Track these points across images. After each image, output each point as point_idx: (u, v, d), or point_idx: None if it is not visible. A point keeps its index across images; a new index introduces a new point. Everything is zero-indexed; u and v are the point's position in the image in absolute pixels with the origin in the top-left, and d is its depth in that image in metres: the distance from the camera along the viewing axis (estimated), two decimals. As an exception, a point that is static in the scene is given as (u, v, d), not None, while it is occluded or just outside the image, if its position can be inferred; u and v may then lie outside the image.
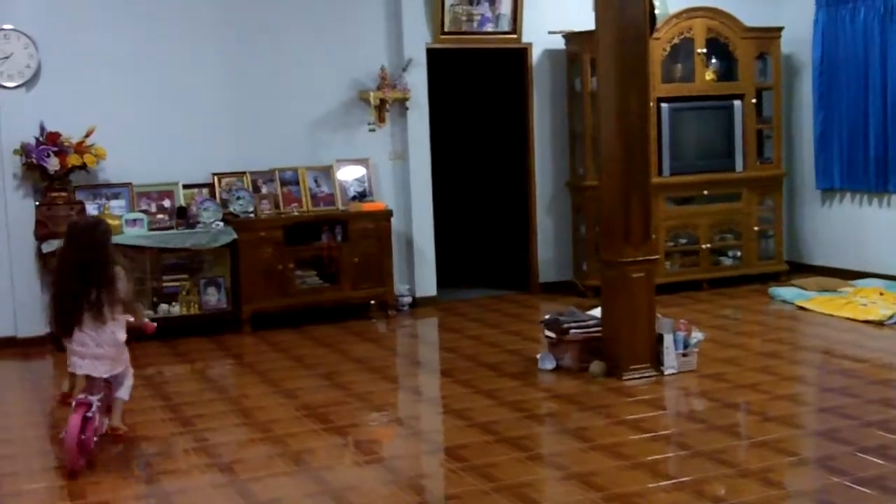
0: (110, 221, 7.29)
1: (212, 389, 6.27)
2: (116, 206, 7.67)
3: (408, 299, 8.59)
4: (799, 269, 9.47)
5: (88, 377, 4.94)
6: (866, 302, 7.87)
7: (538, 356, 6.49)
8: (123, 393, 5.15)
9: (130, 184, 7.75)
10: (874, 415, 5.27)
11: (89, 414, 4.78)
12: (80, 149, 7.36)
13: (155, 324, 5.43)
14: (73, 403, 4.86)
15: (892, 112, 8.63)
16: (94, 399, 4.84)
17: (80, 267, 4.87)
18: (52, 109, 7.45)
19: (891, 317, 7.46)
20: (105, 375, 4.95)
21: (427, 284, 8.74)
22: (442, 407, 5.89)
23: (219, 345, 7.46)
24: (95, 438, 4.86)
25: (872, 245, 9.04)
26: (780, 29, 9.24)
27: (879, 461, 4.56)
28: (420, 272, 8.70)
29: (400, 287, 8.53)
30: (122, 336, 4.98)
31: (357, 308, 8.26)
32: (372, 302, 8.30)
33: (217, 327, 7.77)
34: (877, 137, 8.80)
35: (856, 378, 6.03)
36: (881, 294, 8.03)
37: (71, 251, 4.95)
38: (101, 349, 4.91)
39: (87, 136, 7.41)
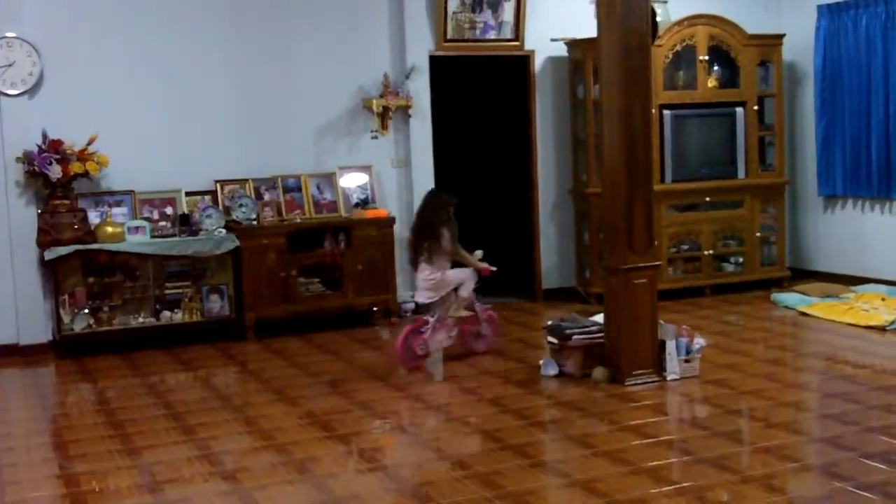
0: (111, 229, 7.41)
1: (215, 397, 6.28)
2: (119, 213, 7.69)
3: (411, 306, 8.59)
4: (801, 276, 9.48)
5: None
6: (868, 308, 7.87)
7: (541, 362, 6.50)
8: (463, 292, 6.87)
9: (133, 191, 7.77)
10: (876, 420, 5.27)
11: (422, 330, 6.72)
12: (83, 156, 7.38)
13: (492, 268, 6.98)
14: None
15: (894, 119, 8.65)
16: (430, 319, 6.76)
17: (418, 226, 6.91)
18: (54, 117, 7.47)
19: (892, 322, 7.46)
20: (426, 301, 6.84)
21: (430, 291, 8.73)
22: (445, 414, 5.89)
23: (222, 352, 7.47)
24: (429, 349, 6.74)
25: (874, 251, 9.05)
26: (781, 36, 9.26)
27: (882, 466, 4.56)
28: (423, 279, 8.70)
29: (403, 294, 8.53)
30: (439, 276, 6.76)
31: (361, 315, 8.27)
32: (375, 309, 8.31)
33: (220, 334, 7.78)
34: (879, 144, 8.81)
35: (858, 384, 6.03)
36: (883, 300, 8.04)
37: (416, 215, 7.07)
38: (425, 283, 6.80)
39: (90, 143, 7.43)
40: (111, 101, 7.75)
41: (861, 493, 4.25)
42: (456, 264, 6.93)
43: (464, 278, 6.89)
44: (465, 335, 7.03)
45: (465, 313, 6.95)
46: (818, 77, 9.30)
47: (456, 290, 6.89)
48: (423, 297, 6.88)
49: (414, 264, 6.94)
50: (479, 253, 7.04)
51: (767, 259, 9.37)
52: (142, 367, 7.07)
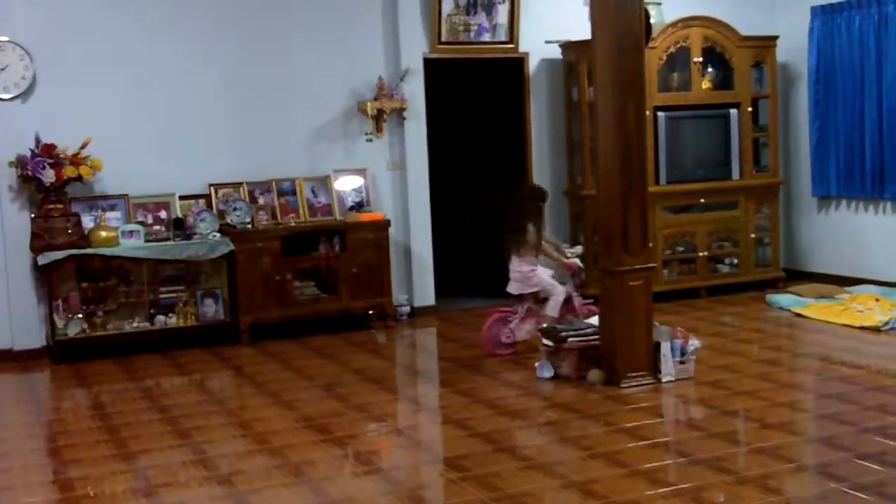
0: (105, 234, 7.39)
1: (210, 401, 6.26)
2: (113, 217, 7.66)
3: (406, 309, 8.60)
4: (796, 276, 9.49)
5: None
6: (862, 308, 7.88)
7: (536, 364, 6.49)
8: (548, 310, 6.94)
9: (127, 195, 7.75)
10: (872, 421, 5.27)
11: (509, 319, 7.02)
12: (76, 160, 7.36)
13: (578, 263, 7.13)
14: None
15: (887, 119, 8.66)
16: (519, 309, 7.03)
17: (505, 219, 7.20)
18: (47, 121, 7.45)
19: (886, 323, 7.47)
20: (514, 293, 7.05)
21: (426, 294, 8.74)
22: (441, 417, 5.89)
23: (217, 356, 7.46)
24: (516, 338, 7.01)
25: (868, 252, 9.06)
26: (775, 37, 9.28)
27: (878, 467, 4.56)
28: (419, 282, 8.70)
29: (399, 297, 8.53)
30: (526, 271, 6.97)
31: (356, 318, 8.26)
32: (371, 312, 8.30)
33: (215, 339, 7.77)
34: (872, 145, 8.82)
35: (853, 384, 6.04)
36: (877, 300, 8.04)
37: (505, 208, 7.28)
38: (513, 275, 7.03)
39: (83, 147, 7.41)
40: (104, 104, 7.73)
41: (856, 493, 4.25)
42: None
43: (550, 290, 6.96)
44: None
45: (530, 336, 7.02)
46: (812, 78, 9.32)
47: (545, 301, 6.98)
48: (510, 289, 7.07)
49: (507, 256, 7.14)
50: (577, 249, 7.29)
51: (762, 260, 9.39)
52: (136, 372, 7.05)
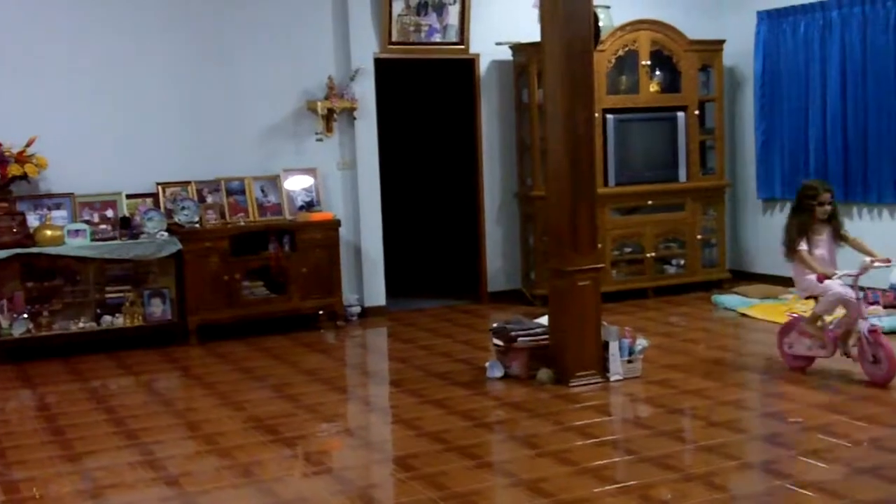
0: (51, 233, 7.27)
1: (157, 402, 6.21)
2: (59, 216, 7.56)
3: (357, 309, 8.58)
4: (741, 277, 9.63)
5: None
6: (806, 309, 7.99)
7: (486, 364, 6.52)
8: (817, 307, 6.21)
9: (73, 194, 7.65)
10: (815, 419, 5.37)
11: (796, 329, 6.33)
12: (21, 158, 7.26)
13: (832, 271, 6.08)
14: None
15: (831, 123, 8.82)
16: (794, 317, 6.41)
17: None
18: (-8, 119, 7.34)
19: (829, 323, 7.59)
20: (800, 295, 6.55)
21: (376, 294, 8.74)
22: (391, 417, 5.89)
23: (164, 357, 7.39)
24: (795, 351, 6.36)
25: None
26: (722, 42, 9.41)
27: (820, 464, 4.65)
28: (369, 282, 8.69)
29: (349, 297, 8.51)
30: (797, 271, 6.25)
31: (306, 318, 8.23)
32: (321, 312, 8.27)
33: (162, 339, 7.69)
34: (817, 148, 8.97)
35: (797, 383, 6.14)
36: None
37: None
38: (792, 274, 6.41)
39: (28, 145, 7.31)
40: (50, 102, 7.62)
41: (800, 490, 4.33)
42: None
43: (819, 296, 6.18)
44: (860, 356, 6.04)
45: (821, 353, 6.23)
46: (758, 82, 9.46)
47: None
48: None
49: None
50: (874, 263, 5.96)
51: (708, 261, 9.51)
52: (83, 373, 6.96)
